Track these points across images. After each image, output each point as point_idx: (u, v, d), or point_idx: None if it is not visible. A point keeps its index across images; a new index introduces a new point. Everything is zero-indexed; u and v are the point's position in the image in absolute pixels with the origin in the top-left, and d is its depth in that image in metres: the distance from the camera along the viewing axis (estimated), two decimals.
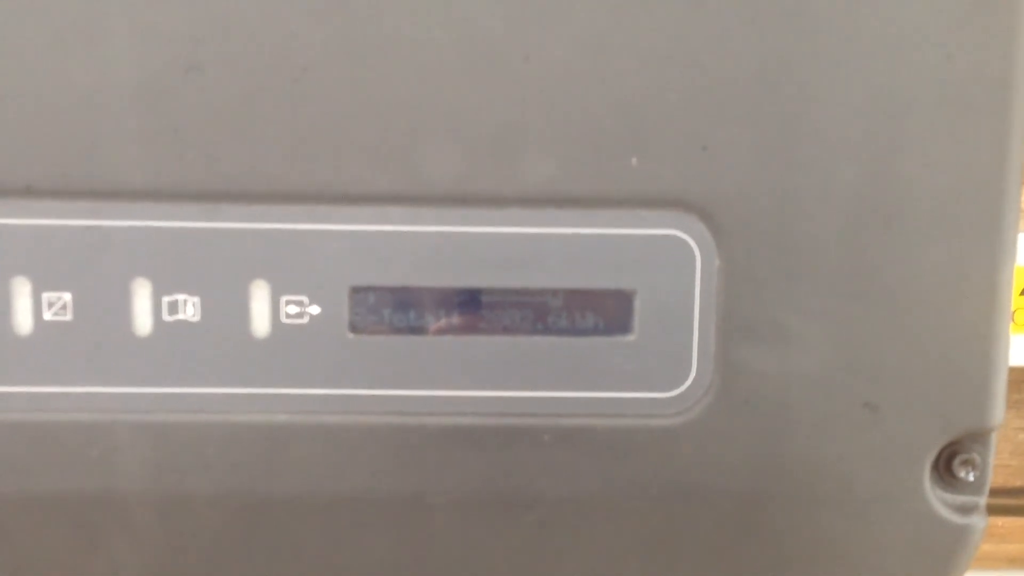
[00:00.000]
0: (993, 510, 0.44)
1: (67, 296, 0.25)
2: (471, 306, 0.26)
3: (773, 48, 0.25)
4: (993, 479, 0.44)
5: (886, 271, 0.26)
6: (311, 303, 0.25)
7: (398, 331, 0.26)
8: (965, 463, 0.27)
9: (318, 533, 0.26)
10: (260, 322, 0.25)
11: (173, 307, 0.25)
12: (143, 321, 0.25)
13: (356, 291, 0.25)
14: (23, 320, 0.25)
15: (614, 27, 0.25)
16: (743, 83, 0.25)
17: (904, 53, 0.25)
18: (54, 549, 0.26)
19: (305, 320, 0.25)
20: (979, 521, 0.27)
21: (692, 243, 0.25)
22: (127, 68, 0.24)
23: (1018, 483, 0.44)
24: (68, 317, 0.25)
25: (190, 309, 0.25)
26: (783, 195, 0.25)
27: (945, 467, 0.27)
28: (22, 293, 0.25)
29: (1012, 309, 0.39)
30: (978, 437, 0.27)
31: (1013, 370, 0.42)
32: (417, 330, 0.26)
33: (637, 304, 0.26)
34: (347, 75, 0.24)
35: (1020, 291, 0.38)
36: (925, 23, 0.25)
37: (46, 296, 0.25)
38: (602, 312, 0.26)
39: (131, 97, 0.24)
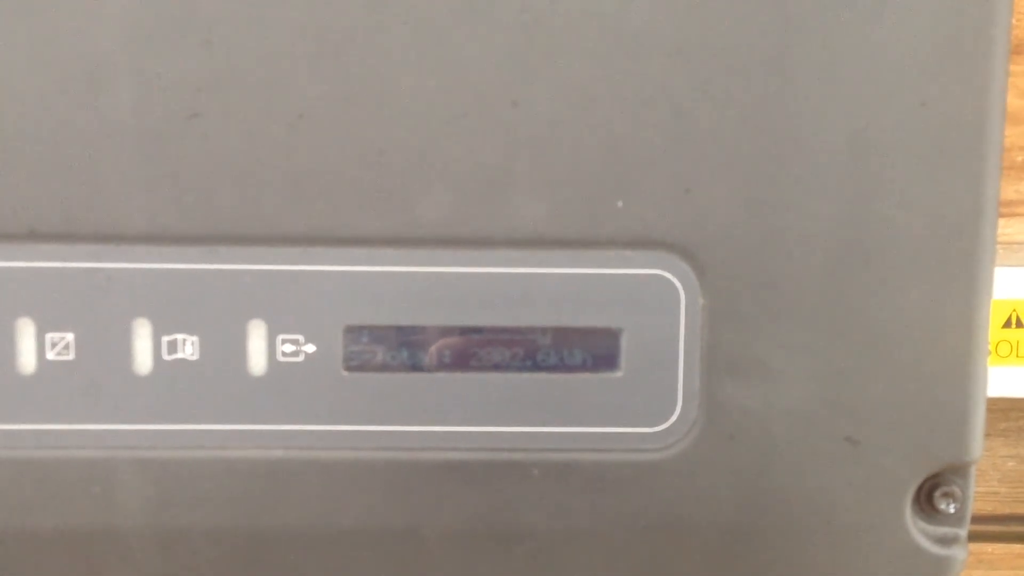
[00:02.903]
0: (983, 537, 0.45)
1: (69, 336, 0.26)
2: (462, 344, 0.26)
3: (754, 95, 0.25)
4: (982, 507, 0.44)
5: (866, 309, 0.26)
6: (306, 342, 0.26)
7: (391, 369, 0.26)
8: (946, 495, 0.27)
9: (315, 566, 0.27)
10: (257, 360, 0.26)
11: (172, 346, 0.26)
12: (143, 360, 0.26)
13: (350, 330, 0.26)
14: (27, 360, 0.26)
15: (600, 74, 0.25)
16: (725, 129, 0.25)
17: (880, 100, 0.25)
18: None
19: (301, 358, 0.26)
20: (960, 552, 0.28)
21: (677, 282, 0.26)
22: (129, 115, 0.25)
23: (1007, 511, 0.44)
24: (70, 356, 0.26)
25: (189, 348, 0.26)
26: (765, 236, 0.26)
27: (926, 499, 0.27)
28: (26, 333, 0.26)
29: (995, 342, 0.40)
30: (958, 470, 0.27)
31: (1000, 400, 0.42)
32: (410, 368, 0.26)
33: (624, 342, 0.26)
34: (341, 122, 0.25)
35: (1002, 324, 0.39)
36: (900, 71, 0.25)
37: (49, 336, 0.26)
38: (590, 349, 0.26)
39: (133, 143, 0.25)
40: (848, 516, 0.27)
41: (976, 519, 0.29)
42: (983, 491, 0.44)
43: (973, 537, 0.29)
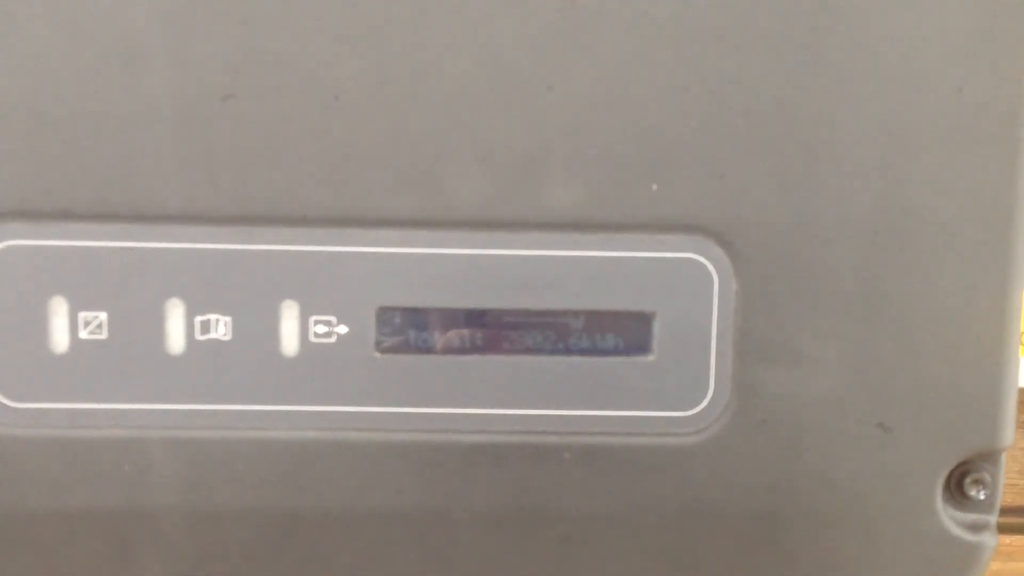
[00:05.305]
0: (1002, 528, 0.44)
1: (103, 315, 0.26)
2: (494, 327, 0.26)
3: (790, 80, 0.25)
4: (1002, 498, 0.44)
5: (899, 295, 0.26)
6: (339, 323, 0.26)
7: (423, 351, 0.26)
8: (976, 482, 0.27)
9: (345, 547, 0.27)
10: (289, 341, 0.26)
11: (205, 326, 0.26)
12: (176, 340, 0.26)
13: (382, 311, 0.26)
14: (60, 338, 0.26)
15: (635, 58, 0.25)
16: (761, 114, 0.25)
17: (916, 85, 0.25)
18: (86, 563, 0.27)
19: (333, 339, 0.26)
20: (990, 539, 0.28)
21: (710, 267, 0.26)
22: (165, 96, 0.25)
23: None
24: (104, 336, 0.26)
25: (222, 328, 0.26)
26: (799, 221, 0.26)
27: (956, 486, 0.27)
28: (60, 312, 0.26)
29: (1022, 332, 0.40)
30: (989, 457, 0.27)
31: (1020, 391, 0.42)
32: (441, 350, 0.26)
33: (656, 325, 0.26)
34: (377, 103, 0.25)
35: None
36: (936, 57, 0.25)
37: (83, 315, 0.26)
38: (622, 333, 0.26)
39: (168, 124, 0.25)
40: (879, 502, 0.27)
41: None
42: (1004, 483, 0.44)
43: None
